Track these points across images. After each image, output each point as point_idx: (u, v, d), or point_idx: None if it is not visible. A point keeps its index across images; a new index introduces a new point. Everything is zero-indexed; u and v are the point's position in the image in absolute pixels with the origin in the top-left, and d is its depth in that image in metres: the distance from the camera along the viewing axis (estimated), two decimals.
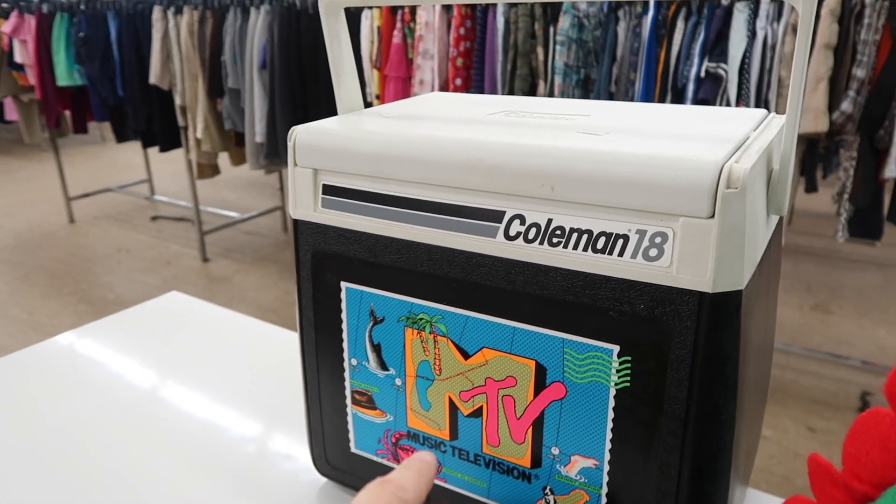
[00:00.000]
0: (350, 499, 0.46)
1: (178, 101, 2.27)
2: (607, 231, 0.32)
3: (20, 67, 2.72)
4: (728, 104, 1.38)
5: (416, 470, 0.27)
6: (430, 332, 0.38)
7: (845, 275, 2.24)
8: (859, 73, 1.29)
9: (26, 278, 2.57)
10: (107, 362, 0.64)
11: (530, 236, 0.34)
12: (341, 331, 0.42)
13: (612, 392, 0.34)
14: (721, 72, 1.34)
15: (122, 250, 2.82)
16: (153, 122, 2.44)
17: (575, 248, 0.33)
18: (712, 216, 0.29)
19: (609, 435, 0.34)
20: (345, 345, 0.42)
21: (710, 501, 0.33)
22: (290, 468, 0.49)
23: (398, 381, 0.41)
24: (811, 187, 1.59)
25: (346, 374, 0.43)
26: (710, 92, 1.35)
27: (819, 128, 1.33)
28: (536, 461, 0.37)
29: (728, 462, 0.33)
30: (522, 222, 0.34)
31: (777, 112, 1.53)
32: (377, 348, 0.41)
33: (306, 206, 0.41)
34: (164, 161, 3.64)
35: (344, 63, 0.45)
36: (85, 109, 2.77)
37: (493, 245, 0.35)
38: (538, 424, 0.36)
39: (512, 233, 0.34)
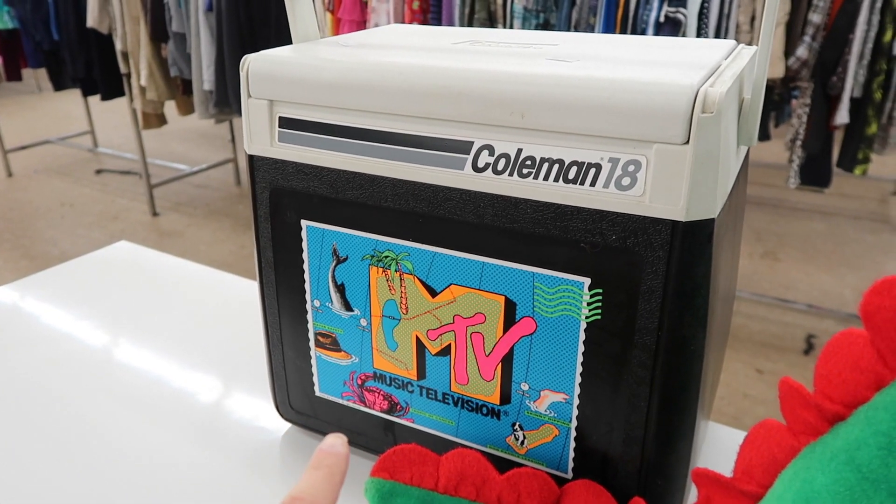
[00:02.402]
0: (315, 443, 0.45)
1: (118, 45, 2.14)
2: (579, 160, 0.31)
3: None
4: None
5: (326, 472, 0.26)
6: (395, 270, 0.37)
7: (792, 223, 2.31)
8: (815, 18, 1.30)
9: None
10: (54, 315, 0.61)
11: (499, 167, 0.33)
12: (303, 272, 0.40)
13: (583, 326, 0.33)
14: (680, 17, 1.33)
15: (66, 205, 2.70)
16: (93, 69, 2.31)
17: (546, 178, 0.32)
18: (687, 142, 0.29)
19: (579, 369, 0.34)
20: (307, 286, 0.41)
21: (678, 432, 0.34)
22: (250, 415, 0.48)
23: (363, 322, 0.39)
24: (763, 135, 1.61)
25: (309, 317, 0.41)
26: (669, 37, 1.34)
27: (775, 73, 1.34)
28: (506, 398, 0.37)
29: (696, 393, 0.33)
30: (491, 153, 0.33)
31: None
32: (341, 288, 0.39)
33: (262, 140, 0.39)
34: (107, 111, 3.48)
35: None
36: (18, 55, 2.60)
37: (461, 177, 0.34)
38: (507, 361, 0.36)
39: (480, 164, 0.33)
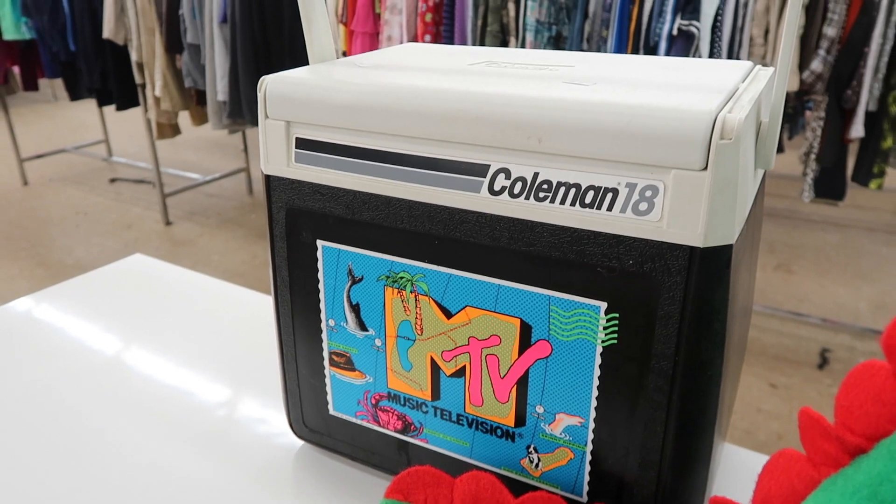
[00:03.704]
0: (328, 461, 0.45)
1: (134, 56, 2.17)
2: (596, 185, 0.31)
3: None
4: None
5: None
6: (410, 292, 0.37)
7: (806, 235, 2.29)
8: (830, 31, 1.29)
9: None
10: (69, 327, 0.62)
11: (516, 191, 0.33)
12: (318, 291, 0.41)
13: (599, 350, 0.33)
14: (693, 29, 1.33)
15: (80, 213, 2.72)
16: (108, 80, 2.33)
17: (562, 202, 0.32)
18: (705, 168, 0.28)
19: (595, 392, 0.34)
20: (322, 305, 0.41)
21: (696, 456, 0.33)
22: (263, 432, 0.48)
23: (378, 342, 0.40)
24: (778, 148, 1.60)
25: (324, 336, 0.42)
26: (681, 50, 1.34)
27: (790, 87, 1.34)
28: (520, 420, 0.37)
29: (714, 418, 0.33)
30: (508, 176, 0.33)
31: None
32: (356, 308, 0.40)
33: (279, 161, 0.39)
34: (122, 121, 3.52)
35: (315, 10, 0.42)
36: (35, 65, 2.64)
37: (477, 200, 0.34)
38: (522, 383, 0.36)
39: (497, 187, 0.33)
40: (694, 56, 1.37)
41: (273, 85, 0.38)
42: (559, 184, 0.32)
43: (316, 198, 0.39)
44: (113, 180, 3.09)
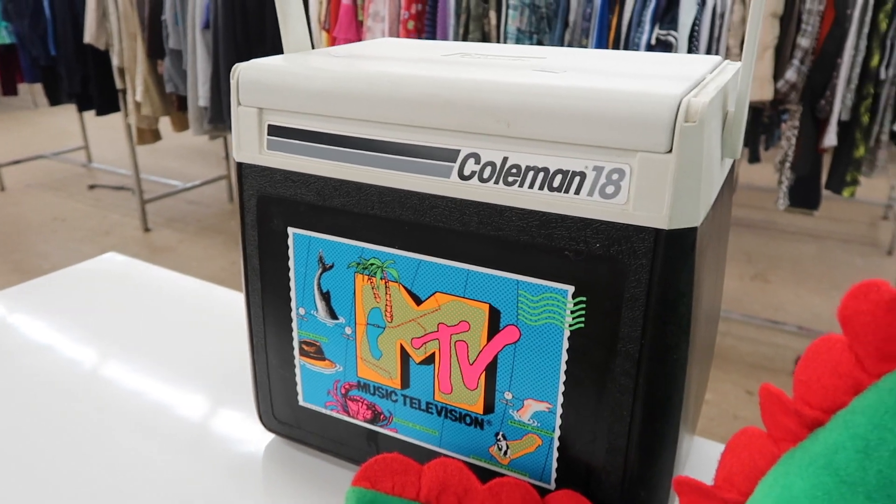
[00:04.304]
0: (298, 454, 0.45)
1: (115, 61, 2.15)
2: (564, 168, 0.31)
3: None
4: None
5: None
6: (381, 278, 0.37)
7: (783, 246, 2.32)
8: (804, 42, 1.32)
9: None
10: (39, 325, 0.61)
11: (485, 175, 0.33)
12: (288, 279, 0.40)
13: (567, 334, 0.33)
14: (671, 39, 1.35)
15: (58, 219, 2.69)
16: (89, 85, 2.31)
17: (531, 186, 0.32)
18: (670, 151, 0.29)
19: (562, 378, 0.34)
20: (292, 294, 0.41)
21: (662, 442, 0.34)
22: (234, 426, 0.48)
23: (348, 330, 0.39)
24: (754, 158, 1.63)
25: (294, 325, 0.41)
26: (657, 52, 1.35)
27: (764, 96, 1.36)
28: (489, 407, 0.37)
29: (679, 403, 0.33)
30: (477, 161, 0.33)
31: None
32: (326, 296, 0.39)
33: (251, 148, 0.39)
34: (102, 127, 3.49)
35: (291, 1, 0.42)
36: (14, 70, 2.61)
37: (447, 185, 0.34)
38: (491, 369, 0.36)
39: (466, 172, 0.33)
40: None
41: (246, 71, 0.38)
42: (528, 168, 0.32)
43: (287, 185, 0.39)
44: (92, 187, 3.06)
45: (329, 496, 0.41)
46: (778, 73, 1.35)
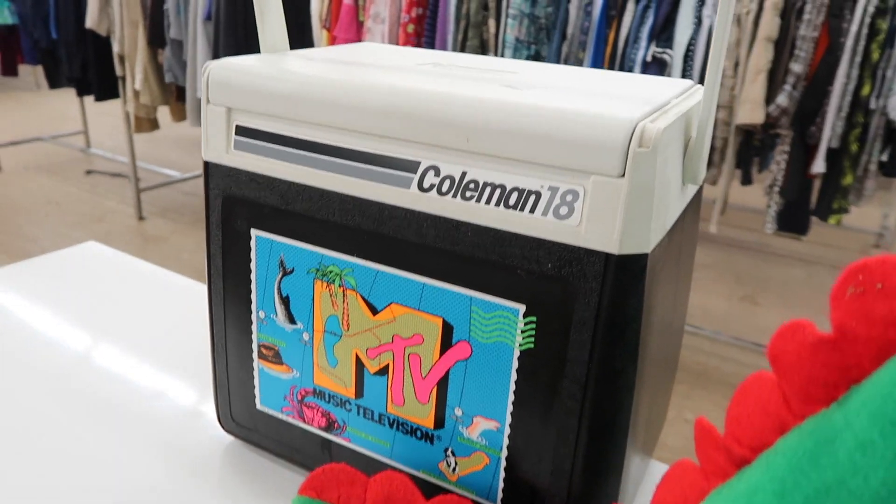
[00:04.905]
0: (256, 458, 0.45)
1: (116, 48, 2.15)
2: (520, 187, 0.31)
3: None
4: None
5: None
6: (339, 286, 0.37)
7: (773, 268, 2.33)
8: (796, 67, 1.32)
9: None
10: (7, 309, 0.61)
11: (444, 189, 0.33)
12: (250, 281, 0.40)
13: (517, 353, 0.33)
14: (667, 57, 1.35)
15: (52, 203, 2.69)
16: (88, 70, 2.31)
17: (488, 202, 0.32)
18: (623, 175, 0.29)
19: (511, 397, 0.34)
20: (253, 296, 0.40)
21: (606, 466, 0.33)
22: (194, 426, 0.47)
23: (305, 336, 0.39)
24: (746, 180, 1.63)
25: (254, 328, 0.41)
26: (632, 74, 1.35)
27: (755, 119, 1.36)
28: (440, 422, 0.36)
29: (625, 426, 0.33)
30: (437, 174, 0.33)
31: (718, 102, 1.56)
32: (286, 301, 0.39)
33: (218, 147, 0.39)
34: (103, 113, 3.48)
35: (269, 1, 0.42)
36: (15, 51, 2.61)
37: (407, 196, 0.34)
38: (443, 384, 0.36)
39: (426, 184, 0.33)
40: None
41: (216, 70, 0.38)
42: (485, 184, 0.32)
43: (252, 186, 0.38)
44: (89, 172, 3.05)
45: (284, 502, 0.41)
46: (770, 97, 1.36)
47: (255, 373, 0.42)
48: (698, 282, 2.20)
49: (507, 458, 0.35)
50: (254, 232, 0.39)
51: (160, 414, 0.48)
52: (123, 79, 2.23)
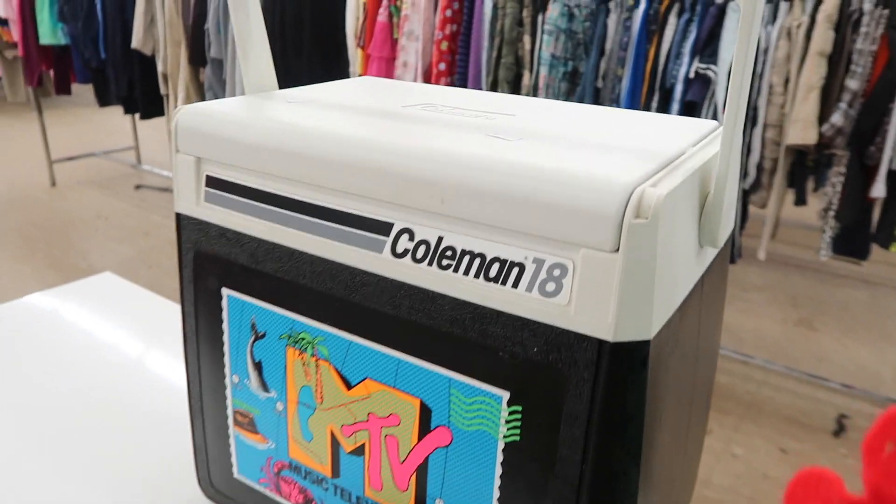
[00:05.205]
0: None
1: (160, 67, 2.20)
2: (501, 257, 0.27)
3: (4, 22, 2.64)
4: (716, 108, 1.32)
5: None
6: (311, 355, 0.33)
7: (832, 290, 2.19)
8: (852, 84, 1.23)
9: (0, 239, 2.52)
10: (12, 339, 0.59)
11: (419, 255, 0.29)
12: (223, 343, 0.37)
13: (501, 445, 0.29)
14: (711, 73, 1.28)
15: (101, 217, 2.76)
16: (134, 89, 2.37)
17: (466, 273, 0.28)
18: (616, 250, 0.24)
19: (496, 493, 0.29)
20: (226, 359, 0.37)
21: None
22: (182, 483, 0.44)
23: (279, 406, 0.36)
24: (800, 200, 1.53)
25: (228, 392, 0.38)
26: (697, 94, 1.29)
27: (807, 140, 1.27)
28: None
29: None
30: (411, 237, 0.29)
31: (767, 121, 1.47)
32: (258, 366, 0.36)
33: (188, 198, 0.36)
34: (154, 129, 3.57)
35: (252, 37, 0.39)
36: (68, 70, 2.70)
37: (379, 261, 0.30)
38: (422, 471, 0.31)
39: (399, 249, 0.29)
40: (710, 101, 1.32)
41: (185, 116, 0.35)
42: (463, 252, 0.28)
43: (222, 242, 0.35)
44: (138, 187, 3.13)
45: None
46: (824, 116, 1.26)
47: (231, 440, 0.39)
48: (749, 305, 2.09)
49: None
50: (225, 291, 0.36)
51: (148, 467, 0.45)
52: (167, 97, 2.28)
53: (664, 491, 0.33)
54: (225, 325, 0.37)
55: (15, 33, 2.61)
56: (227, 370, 0.37)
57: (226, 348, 0.37)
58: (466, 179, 0.27)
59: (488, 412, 0.29)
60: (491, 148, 0.28)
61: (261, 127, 0.33)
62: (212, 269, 0.36)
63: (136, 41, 2.20)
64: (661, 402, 0.28)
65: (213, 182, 0.35)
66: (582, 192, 0.25)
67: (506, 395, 0.28)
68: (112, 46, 2.34)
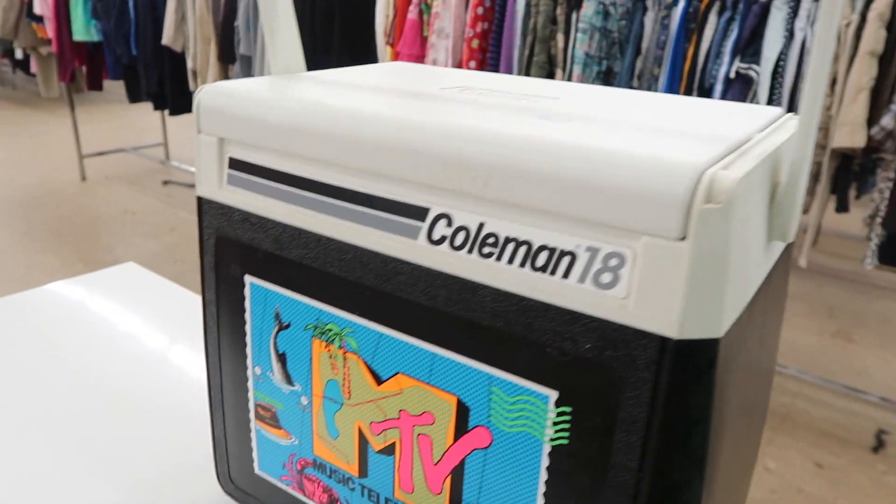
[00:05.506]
0: None
1: (190, 64, 2.21)
2: (550, 245, 0.24)
3: (39, 19, 2.69)
4: None
5: None
6: (339, 347, 0.31)
7: (871, 302, 2.12)
8: None
9: (29, 232, 2.55)
10: (36, 326, 0.58)
11: (457, 242, 0.27)
12: (245, 333, 0.35)
13: (547, 449, 0.26)
14: (752, 73, 1.24)
15: (129, 212, 2.78)
16: (164, 85, 2.38)
17: (510, 262, 0.25)
18: (683, 238, 0.22)
19: (541, 501, 0.27)
20: (248, 350, 0.35)
21: None
22: (200, 479, 0.43)
23: (304, 400, 0.34)
24: (842, 207, 1.48)
25: (250, 385, 0.36)
26: (738, 94, 1.24)
27: (855, 143, 1.22)
28: None
29: None
30: (449, 223, 0.27)
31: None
32: (282, 358, 0.34)
33: (210, 182, 0.34)
34: (183, 125, 3.60)
35: (279, 17, 0.37)
36: (100, 66, 2.73)
37: (414, 249, 0.28)
38: (458, 474, 0.29)
39: (436, 236, 0.27)
40: (751, 102, 1.28)
41: (207, 95, 0.33)
42: (508, 239, 0.25)
43: (245, 227, 0.33)
44: (166, 182, 3.16)
45: None
46: (873, 119, 1.21)
47: (253, 434, 0.37)
48: (784, 314, 2.03)
49: None
50: (247, 278, 0.34)
51: (164, 461, 0.44)
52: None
53: (729, 496, 0.30)
54: (247, 315, 0.35)
55: (49, 30, 2.65)
56: (249, 361, 0.35)
57: (248, 339, 0.35)
58: (513, 161, 0.24)
59: (533, 413, 0.26)
60: (539, 128, 0.26)
61: (287, 106, 0.31)
62: (234, 255, 0.34)
63: (167, 38, 2.22)
64: (727, 408, 0.25)
65: (236, 164, 0.33)
66: (645, 175, 0.22)
67: (553, 394, 0.25)
68: (143, 43, 2.36)
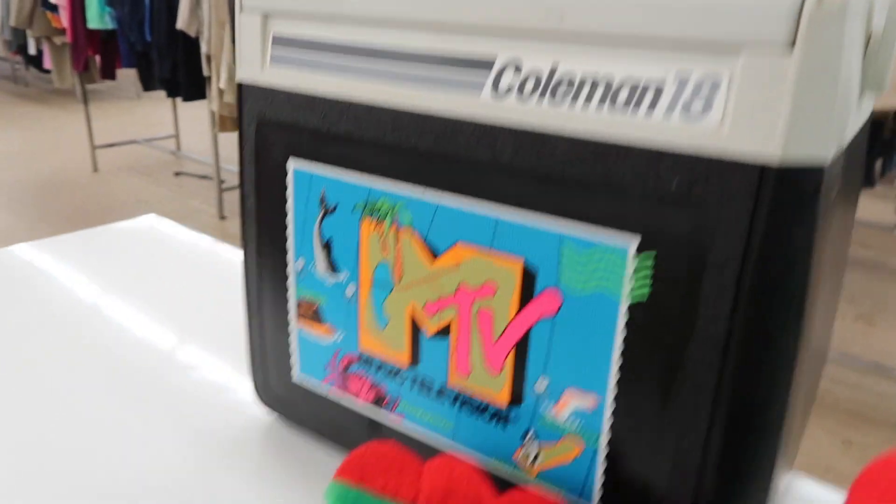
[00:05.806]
0: (294, 437, 0.37)
1: (204, 48, 2.20)
2: (633, 77, 0.23)
3: (54, 8, 2.69)
4: None
5: None
6: (390, 225, 0.29)
7: (892, 287, 2.09)
8: None
9: (43, 220, 2.55)
10: (57, 276, 0.57)
11: (527, 90, 0.25)
12: (286, 224, 0.33)
13: (624, 306, 0.24)
14: None
15: (141, 202, 2.78)
16: (178, 71, 2.38)
17: (587, 103, 0.24)
18: (792, 46, 0.20)
19: (615, 365, 0.25)
20: (290, 242, 0.34)
21: (752, 467, 0.24)
22: (235, 398, 0.41)
23: (350, 290, 0.32)
24: (868, 181, 1.45)
25: (291, 281, 0.34)
26: None
27: (891, 103, 1.18)
28: (517, 398, 0.28)
29: (782, 415, 0.23)
30: (518, 70, 0.25)
31: None
32: (327, 246, 0.32)
33: (253, 64, 0.33)
34: (194, 119, 3.60)
35: None
36: (114, 55, 2.72)
37: (478, 104, 0.26)
38: (522, 349, 0.27)
39: (503, 86, 0.25)
40: None
41: None
42: (583, 79, 0.24)
43: (289, 107, 0.32)
44: (178, 174, 3.15)
45: (316, 485, 0.34)
46: None
47: (293, 336, 0.35)
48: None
49: (608, 448, 0.26)
50: (291, 163, 0.32)
51: (201, 389, 0.42)
52: (209, 79, 2.28)
53: (805, 391, 0.28)
54: (290, 204, 0.33)
55: (64, 19, 2.65)
56: (290, 256, 0.34)
57: (289, 231, 0.33)
58: None
59: (610, 268, 0.24)
60: None
61: None
62: (277, 139, 0.33)
63: (182, 22, 2.21)
64: (821, 257, 0.23)
65: (280, 41, 0.32)
66: None
67: (633, 243, 0.24)
68: (157, 29, 2.36)
